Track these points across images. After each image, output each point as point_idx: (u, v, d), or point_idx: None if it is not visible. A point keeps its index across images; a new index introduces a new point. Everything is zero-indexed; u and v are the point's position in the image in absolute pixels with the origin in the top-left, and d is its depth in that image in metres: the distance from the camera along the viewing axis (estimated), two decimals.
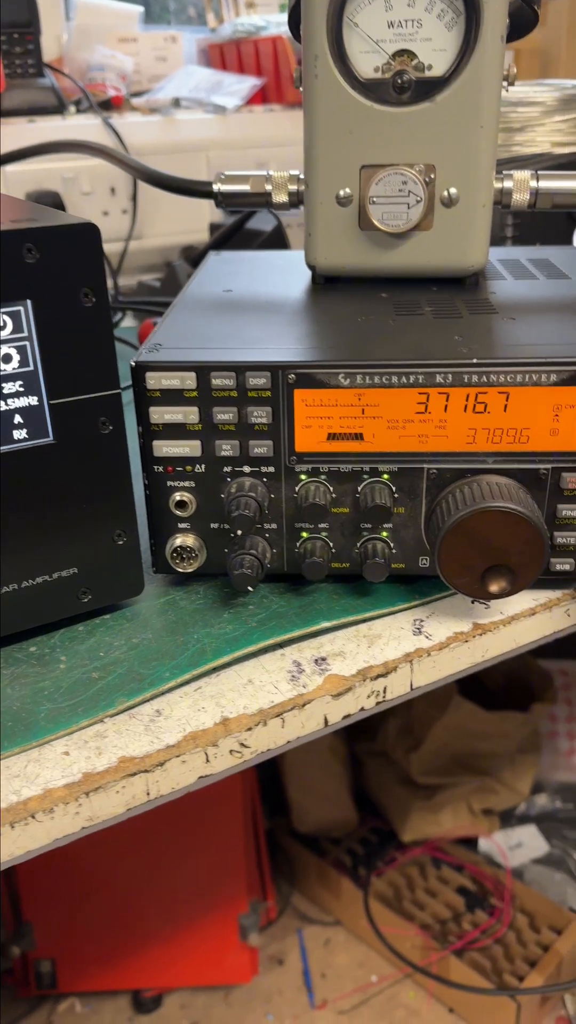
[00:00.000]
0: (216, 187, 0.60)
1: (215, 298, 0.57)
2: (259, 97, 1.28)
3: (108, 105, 1.19)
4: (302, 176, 0.59)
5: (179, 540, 0.48)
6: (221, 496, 0.47)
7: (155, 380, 0.45)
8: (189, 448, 0.46)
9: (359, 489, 0.47)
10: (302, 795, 1.42)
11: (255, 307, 0.55)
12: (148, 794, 0.39)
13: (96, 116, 1.16)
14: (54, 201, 1.07)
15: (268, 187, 0.60)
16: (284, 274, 0.63)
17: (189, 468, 0.47)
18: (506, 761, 1.41)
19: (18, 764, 0.39)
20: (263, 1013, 1.31)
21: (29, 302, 0.40)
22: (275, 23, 1.31)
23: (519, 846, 1.40)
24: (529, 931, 1.28)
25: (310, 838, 1.43)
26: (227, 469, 0.47)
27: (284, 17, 1.34)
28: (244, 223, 0.96)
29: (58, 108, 1.16)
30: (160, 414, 0.46)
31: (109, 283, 1.08)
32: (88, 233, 0.40)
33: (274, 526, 0.48)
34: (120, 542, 0.46)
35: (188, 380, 0.45)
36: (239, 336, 0.49)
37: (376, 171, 0.55)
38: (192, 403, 0.45)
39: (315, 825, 1.42)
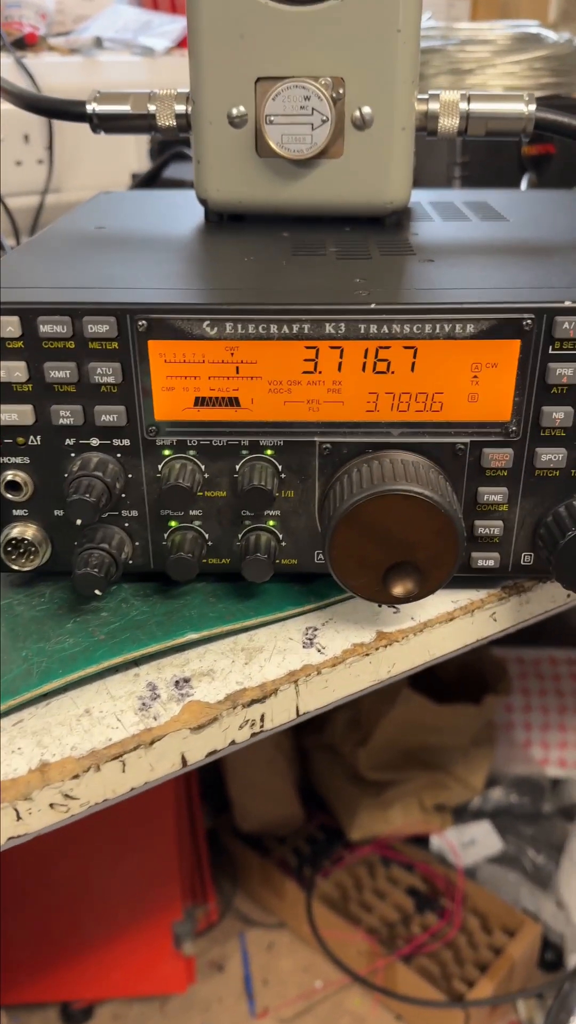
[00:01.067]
0: (91, 107, 0.51)
1: (81, 234, 0.47)
2: None
3: (22, 44, 1.08)
4: (191, 95, 0.49)
5: (15, 531, 0.39)
6: (64, 476, 0.38)
7: None
8: (18, 414, 0.37)
9: (237, 468, 0.38)
10: (244, 792, 1.34)
11: (126, 245, 0.45)
12: None
13: (8, 55, 1.04)
14: None
15: (152, 107, 0.50)
16: (177, 213, 0.54)
17: (21, 440, 0.38)
18: (459, 755, 1.34)
19: None
20: (200, 1023, 1.24)
21: None
22: None
23: (472, 843, 1.34)
24: (481, 933, 1.22)
25: (254, 837, 1.36)
26: (69, 442, 0.38)
27: None
28: (162, 170, 0.86)
29: None
30: None
31: (13, 241, 0.97)
32: None
33: (135, 513, 0.39)
34: None
35: (10, 326, 0.35)
36: (89, 275, 0.39)
37: (274, 84, 0.45)
38: (18, 356, 0.36)
39: (259, 823, 1.35)
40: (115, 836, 1.13)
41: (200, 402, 0.37)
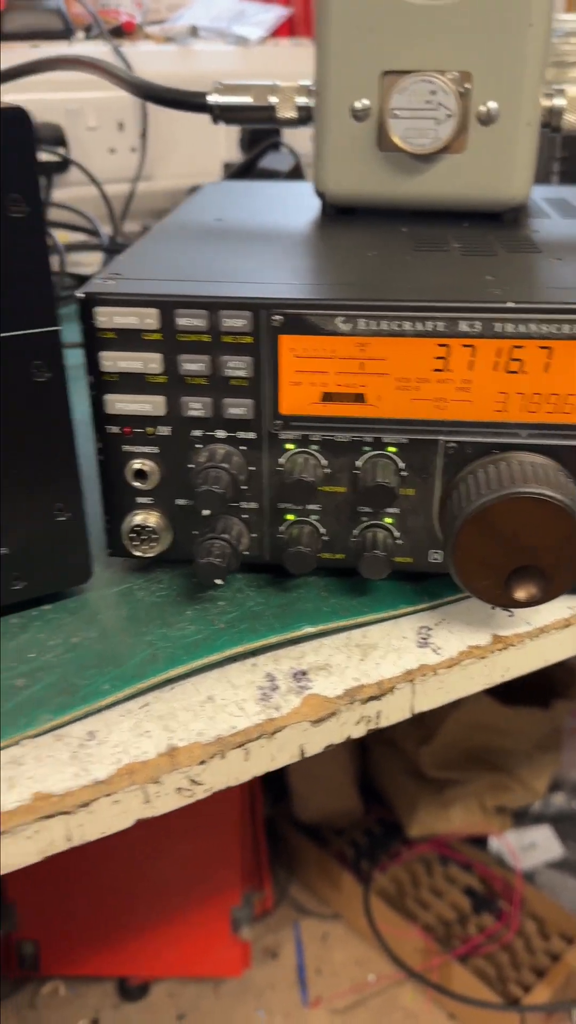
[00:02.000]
0: (212, 99, 0.51)
1: (200, 226, 0.47)
2: (286, 29, 1.18)
3: (119, 32, 1.09)
4: (314, 88, 0.49)
5: (138, 518, 0.40)
6: (190, 466, 0.39)
7: (107, 317, 0.36)
8: (151, 405, 0.37)
9: (358, 464, 0.38)
10: (305, 783, 1.35)
11: (246, 237, 0.45)
12: (69, 839, 0.31)
13: (105, 43, 1.05)
14: (55, 135, 0.98)
15: (273, 99, 0.50)
16: (291, 205, 0.54)
17: (151, 430, 0.38)
18: (523, 758, 1.32)
19: None
20: (254, 1008, 1.25)
21: None
22: None
23: (532, 847, 1.32)
24: (538, 938, 1.21)
25: (312, 828, 1.36)
26: (197, 433, 0.38)
27: None
28: (257, 160, 0.87)
29: (64, 33, 1.06)
30: (114, 360, 0.37)
31: (108, 228, 0.99)
32: (17, 121, 0.31)
33: (254, 505, 0.39)
34: (61, 518, 0.38)
35: (149, 319, 0.36)
36: (219, 268, 0.39)
37: (400, 78, 0.45)
38: (154, 348, 0.36)
39: (318, 815, 1.35)
40: (181, 818, 1.15)
41: (327, 397, 0.37)
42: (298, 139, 0.93)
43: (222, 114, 0.51)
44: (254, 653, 0.37)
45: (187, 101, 0.52)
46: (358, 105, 0.46)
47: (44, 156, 0.96)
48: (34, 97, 0.98)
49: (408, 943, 1.23)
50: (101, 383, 0.37)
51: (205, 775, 0.33)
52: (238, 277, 0.38)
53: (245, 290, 0.36)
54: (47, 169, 0.96)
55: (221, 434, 0.38)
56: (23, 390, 0.35)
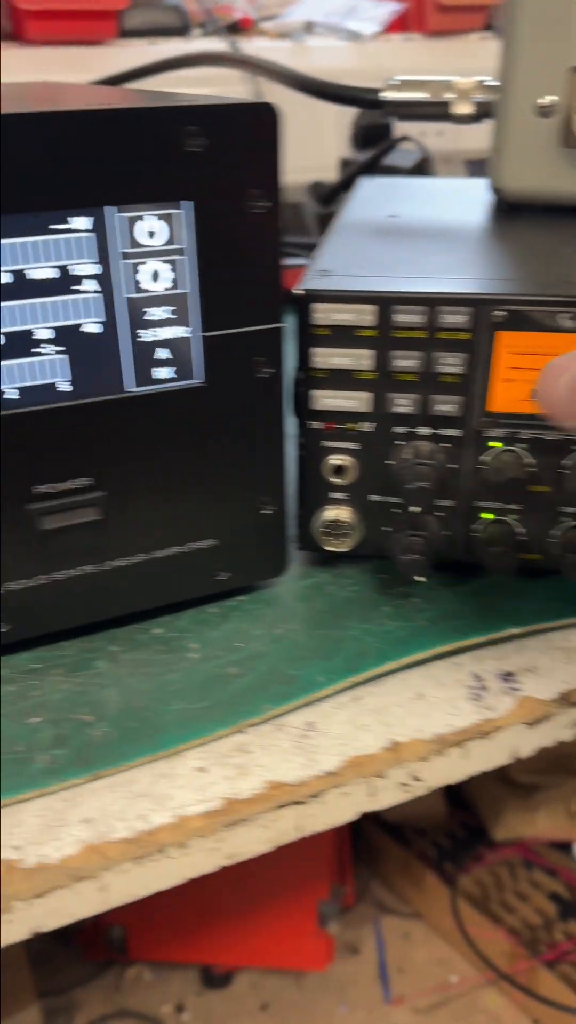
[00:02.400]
0: (385, 94, 0.51)
1: (380, 223, 0.48)
2: (398, 25, 1.17)
3: (235, 28, 1.10)
4: (496, 83, 0.49)
5: (332, 513, 0.40)
6: (389, 462, 0.39)
7: (324, 314, 0.36)
8: (357, 401, 0.38)
9: (565, 463, 0.38)
10: None
11: (432, 234, 0.45)
12: (298, 829, 0.31)
13: (221, 39, 1.06)
14: None
15: (449, 95, 0.50)
16: (454, 200, 0.53)
17: (353, 426, 0.38)
18: None
19: (144, 778, 0.31)
20: (336, 1002, 1.25)
21: (193, 204, 0.31)
22: None
23: None
24: None
25: (393, 827, 1.36)
26: (400, 430, 0.38)
27: None
28: (382, 157, 0.86)
29: (181, 30, 1.07)
30: (325, 357, 0.37)
31: None
32: (266, 116, 0.31)
33: (450, 503, 0.39)
34: (266, 512, 0.38)
35: (366, 315, 0.36)
36: (422, 264, 0.39)
37: None
38: (367, 344, 0.37)
39: (402, 815, 1.35)
40: None
41: None
42: (423, 135, 0.93)
43: (395, 110, 0.51)
44: (455, 652, 0.37)
45: (359, 97, 0.52)
46: (544, 101, 0.46)
47: None
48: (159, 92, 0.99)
49: (494, 946, 1.22)
50: (309, 379, 0.38)
51: (425, 771, 0.33)
52: (443, 273, 0.38)
53: (459, 286, 0.36)
54: None
55: (425, 431, 0.38)
56: (244, 385, 0.35)
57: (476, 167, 0.86)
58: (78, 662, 0.36)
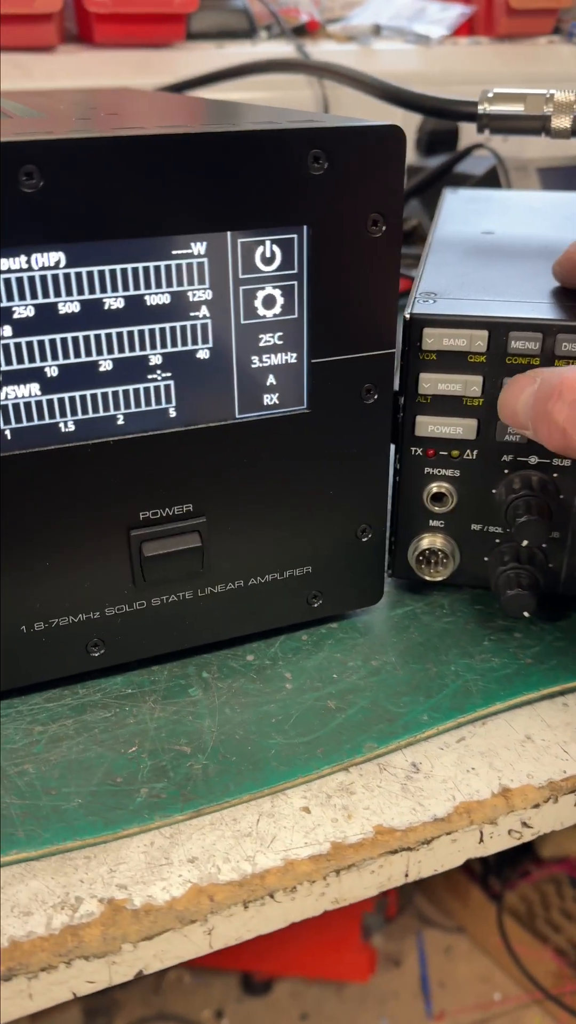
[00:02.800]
0: (482, 107, 0.50)
1: (476, 241, 0.46)
2: (465, 28, 1.15)
3: (302, 31, 1.09)
4: None
5: (427, 541, 0.39)
6: (492, 491, 0.37)
7: (434, 339, 0.35)
8: (462, 428, 0.37)
9: None
10: None
11: (532, 252, 0.44)
12: (407, 875, 0.30)
13: (288, 42, 1.05)
14: None
15: (547, 109, 0.49)
16: (547, 217, 0.52)
17: (456, 453, 0.37)
18: None
19: (248, 817, 0.31)
20: (377, 1015, 1.24)
21: (306, 228, 0.31)
22: None
23: None
24: None
25: None
26: (507, 458, 0.37)
27: None
28: (454, 165, 0.85)
29: (248, 32, 1.07)
30: (433, 383, 0.36)
31: None
32: (394, 139, 0.30)
33: (555, 535, 0.38)
34: (365, 539, 0.37)
35: (478, 341, 0.35)
36: (530, 286, 0.38)
37: None
38: (477, 370, 0.36)
39: None
40: None
41: None
42: (493, 142, 0.91)
43: (490, 123, 0.50)
44: (563, 693, 0.36)
45: (454, 111, 0.51)
46: None
47: None
48: (220, 96, 0.98)
49: (539, 965, 1.20)
50: (414, 403, 0.37)
51: (537, 819, 0.32)
52: (554, 296, 0.37)
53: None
54: None
55: (533, 460, 0.37)
56: (350, 411, 0.34)
57: (548, 175, 0.84)
58: (171, 688, 0.36)
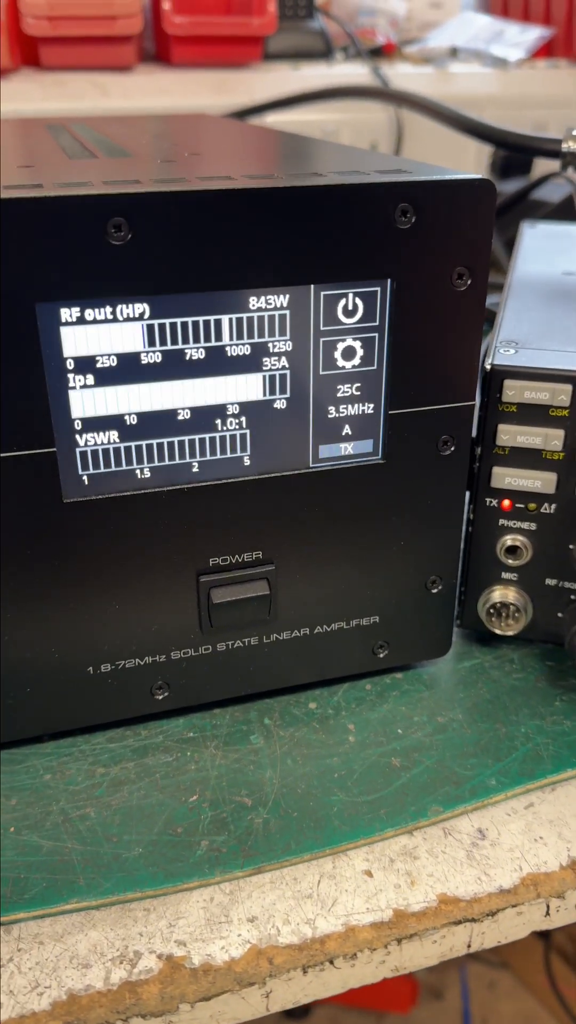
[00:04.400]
0: (567, 146, 0.49)
1: (557, 283, 0.45)
2: (544, 51, 1.13)
3: (378, 53, 1.08)
4: None
5: (499, 593, 0.38)
6: (570, 547, 0.36)
7: (515, 391, 0.34)
8: (541, 481, 0.36)
9: None
10: None
11: None
12: (469, 946, 0.30)
13: (364, 64, 1.05)
14: None
15: None
16: None
17: (534, 507, 0.36)
18: None
19: (309, 877, 0.30)
20: None
21: (390, 281, 0.30)
22: None
23: None
24: None
25: None
26: None
27: None
28: (531, 191, 0.83)
29: (325, 53, 1.07)
30: (512, 435, 0.35)
31: None
32: (484, 193, 0.29)
33: None
34: (435, 590, 0.37)
35: (561, 394, 0.34)
36: None
37: None
38: (559, 424, 0.35)
39: None
40: None
41: None
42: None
43: (574, 161, 0.49)
44: None
45: (537, 147, 0.50)
46: None
47: None
48: (294, 118, 0.98)
49: None
50: (491, 454, 0.36)
51: None
52: None
53: None
54: None
55: None
56: (426, 463, 0.34)
57: None
58: (233, 734, 0.35)
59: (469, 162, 1.07)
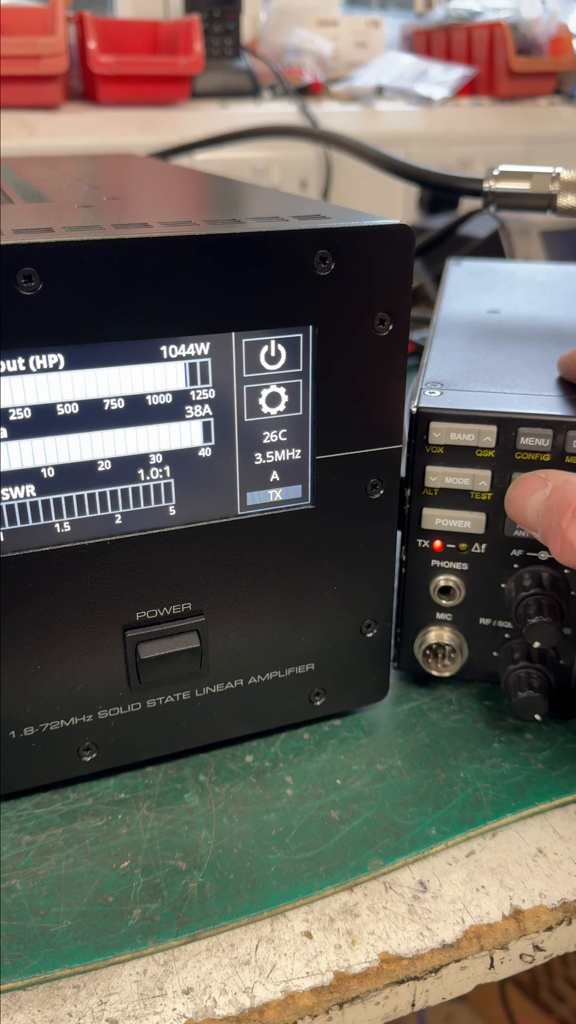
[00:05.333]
0: (487, 185, 0.49)
1: (482, 322, 0.46)
2: (467, 89, 1.16)
3: (305, 91, 1.10)
4: None
5: (434, 634, 0.38)
6: (501, 586, 0.36)
7: (441, 433, 0.34)
8: (471, 522, 0.36)
9: None
10: None
11: (540, 335, 0.43)
12: (413, 1005, 0.29)
13: (291, 102, 1.06)
14: None
15: (553, 188, 0.48)
16: (553, 292, 0.51)
17: (464, 547, 0.36)
18: None
19: (246, 942, 0.29)
20: None
21: (312, 327, 0.30)
22: (491, 8, 1.18)
23: None
24: None
25: None
26: (516, 553, 0.36)
27: (503, 3, 1.21)
28: (457, 227, 0.85)
29: (252, 92, 1.08)
30: (440, 476, 0.35)
31: None
32: (402, 238, 0.29)
33: (568, 631, 0.37)
34: (370, 634, 0.36)
35: (487, 436, 0.34)
36: (539, 376, 0.37)
37: None
38: (486, 464, 0.35)
39: None
40: None
41: None
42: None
43: (495, 200, 0.50)
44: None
45: (459, 187, 0.50)
46: None
47: None
48: (223, 156, 0.99)
49: None
50: (421, 496, 0.36)
51: (550, 942, 0.30)
52: (565, 388, 0.36)
53: None
54: None
55: (543, 555, 0.36)
56: (355, 507, 0.33)
57: (551, 239, 0.84)
58: (166, 793, 0.34)
59: (398, 198, 1.09)
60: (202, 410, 0.30)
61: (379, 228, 0.29)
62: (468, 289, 0.52)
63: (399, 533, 0.36)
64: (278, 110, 1.06)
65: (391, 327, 0.31)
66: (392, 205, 1.09)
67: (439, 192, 0.52)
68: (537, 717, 0.35)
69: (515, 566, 0.36)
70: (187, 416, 0.30)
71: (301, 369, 0.30)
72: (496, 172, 0.49)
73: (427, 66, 1.16)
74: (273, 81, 1.12)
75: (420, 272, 0.90)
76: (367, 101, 1.11)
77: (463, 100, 1.17)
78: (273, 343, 0.30)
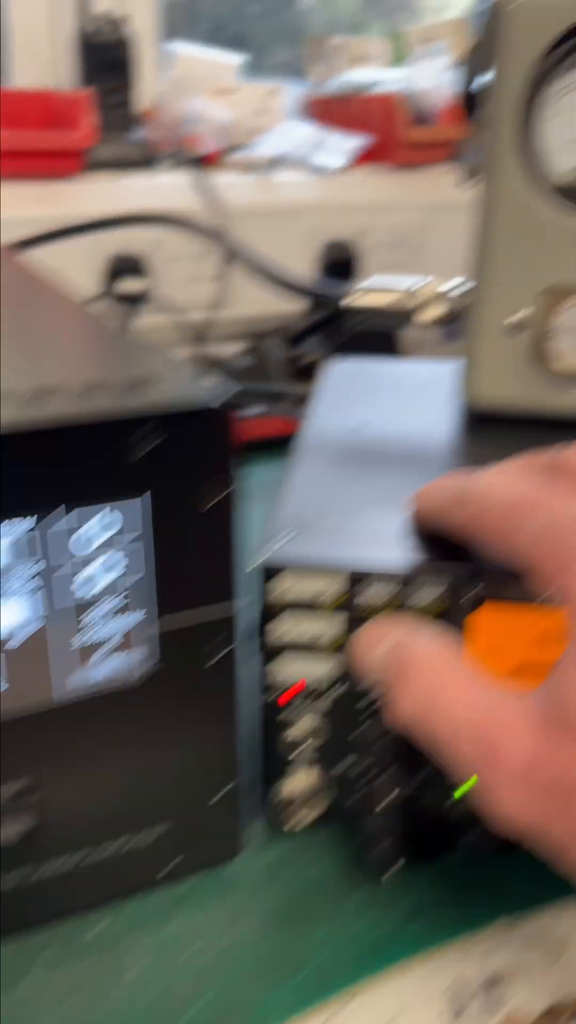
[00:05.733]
0: (346, 302, 0.49)
1: (347, 442, 0.45)
2: (366, 157, 1.18)
3: (199, 161, 1.10)
4: (453, 291, 0.48)
5: (290, 786, 0.37)
6: (352, 736, 0.35)
7: (288, 588, 0.33)
8: (320, 671, 0.35)
9: None
10: None
11: (400, 460, 0.43)
12: None
13: (188, 172, 1.06)
14: (135, 267, 0.98)
15: (412, 305, 0.49)
16: (422, 400, 0.52)
17: (315, 698, 0.35)
18: None
19: None
20: None
21: (144, 496, 0.29)
22: (388, 79, 1.21)
23: None
24: None
25: None
26: (365, 703, 0.35)
27: (398, 74, 1.24)
28: (319, 329, 0.86)
29: (146, 163, 1.08)
30: (283, 632, 0.34)
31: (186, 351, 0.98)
32: (216, 420, 0.28)
33: (420, 775, 0.36)
34: (218, 794, 0.35)
35: (333, 586, 0.33)
36: (392, 519, 0.37)
37: (566, 296, 0.43)
38: (332, 616, 0.34)
39: None
40: None
41: (520, 670, 0.34)
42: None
43: (356, 315, 0.50)
44: (432, 955, 0.33)
45: (324, 302, 0.50)
46: (517, 318, 0.44)
47: (125, 286, 0.98)
48: (119, 231, 0.98)
49: None
50: (267, 650, 0.35)
51: None
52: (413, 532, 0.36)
53: (435, 553, 0.34)
54: (129, 300, 0.97)
55: None
56: (191, 674, 0.32)
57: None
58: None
59: (298, 261, 1.09)
60: (30, 584, 0.28)
61: (190, 414, 0.28)
62: (341, 398, 0.52)
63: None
64: (173, 181, 1.06)
65: (215, 500, 0.30)
66: (293, 267, 1.09)
67: (303, 297, 0.52)
68: (388, 876, 0.34)
69: (367, 717, 0.35)
70: (12, 592, 0.28)
71: (134, 537, 0.29)
72: (356, 291, 0.49)
73: (324, 136, 1.17)
74: (173, 149, 1.12)
75: (317, 346, 0.91)
76: (264, 171, 1.11)
77: (361, 168, 1.18)
78: (99, 515, 0.28)
